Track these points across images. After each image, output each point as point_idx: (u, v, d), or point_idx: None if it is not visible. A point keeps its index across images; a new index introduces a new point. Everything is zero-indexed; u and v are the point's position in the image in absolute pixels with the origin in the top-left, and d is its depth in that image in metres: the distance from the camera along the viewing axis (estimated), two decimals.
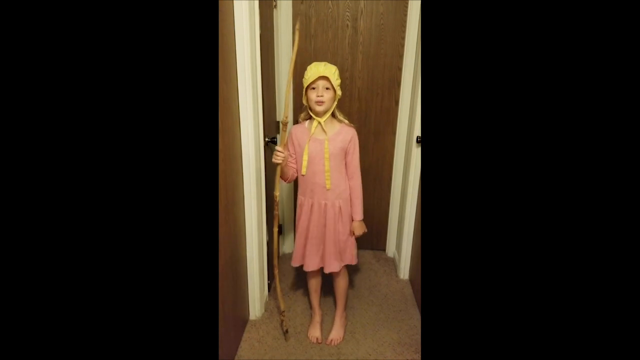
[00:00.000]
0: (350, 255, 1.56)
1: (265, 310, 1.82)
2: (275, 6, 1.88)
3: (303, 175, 1.46)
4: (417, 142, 1.83)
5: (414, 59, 1.92)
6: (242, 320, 1.66)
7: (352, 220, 1.52)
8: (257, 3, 1.41)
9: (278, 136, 2.04)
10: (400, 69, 2.01)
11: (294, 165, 1.50)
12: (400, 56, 1.99)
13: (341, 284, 1.64)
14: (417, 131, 1.83)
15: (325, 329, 1.69)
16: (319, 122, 1.39)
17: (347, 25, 1.97)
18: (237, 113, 1.42)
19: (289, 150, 1.47)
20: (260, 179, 1.62)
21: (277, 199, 1.45)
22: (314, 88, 1.35)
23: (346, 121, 1.45)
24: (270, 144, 1.78)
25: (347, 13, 1.95)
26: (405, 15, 1.92)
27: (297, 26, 1.27)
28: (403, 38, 1.96)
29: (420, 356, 1.55)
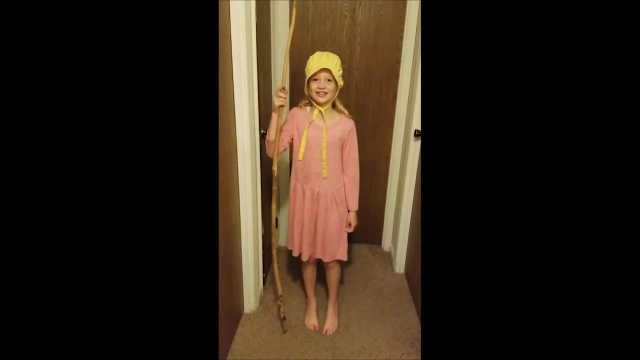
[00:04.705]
0: (343, 251, 1.56)
1: (260, 304, 1.81)
2: None
3: (299, 160, 1.45)
4: (415, 135, 1.82)
5: (412, 51, 1.89)
6: (236, 313, 1.65)
7: (348, 212, 1.52)
8: None
9: None
10: (399, 62, 1.99)
11: (286, 142, 1.47)
12: (398, 49, 1.96)
13: (333, 276, 1.65)
14: (415, 125, 1.81)
15: (319, 320, 1.70)
16: (320, 111, 1.40)
17: (346, 15, 1.93)
18: (232, 105, 1.39)
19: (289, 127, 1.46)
20: (256, 172, 1.60)
21: (276, 174, 1.45)
22: (316, 79, 1.35)
23: (346, 112, 1.46)
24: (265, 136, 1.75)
25: (346, 3, 1.91)
26: (405, 6, 1.89)
27: (294, 3, 1.28)
28: (402, 30, 1.93)
29: (415, 350, 1.56)
